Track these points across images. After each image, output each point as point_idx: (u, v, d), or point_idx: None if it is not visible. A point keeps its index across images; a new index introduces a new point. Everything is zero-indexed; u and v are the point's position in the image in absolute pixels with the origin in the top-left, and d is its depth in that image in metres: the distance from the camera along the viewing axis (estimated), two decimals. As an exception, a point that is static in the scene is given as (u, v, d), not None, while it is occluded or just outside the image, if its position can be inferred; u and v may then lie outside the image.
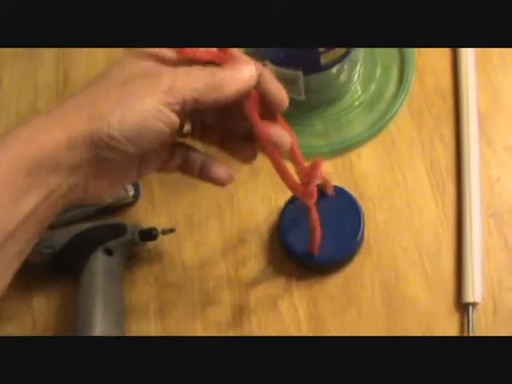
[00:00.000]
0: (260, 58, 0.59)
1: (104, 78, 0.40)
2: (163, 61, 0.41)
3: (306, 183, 0.49)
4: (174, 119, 0.39)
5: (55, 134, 0.38)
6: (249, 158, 0.47)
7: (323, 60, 0.57)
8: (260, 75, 0.42)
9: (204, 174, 0.46)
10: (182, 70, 0.40)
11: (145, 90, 0.39)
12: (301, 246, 0.55)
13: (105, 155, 0.39)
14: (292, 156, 0.48)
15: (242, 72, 0.41)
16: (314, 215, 0.52)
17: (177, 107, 0.39)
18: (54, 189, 0.39)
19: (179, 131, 0.44)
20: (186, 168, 0.46)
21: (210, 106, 0.40)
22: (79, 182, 0.40)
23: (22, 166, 0.37)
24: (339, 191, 0.57)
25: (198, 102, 0.40)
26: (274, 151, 0.45)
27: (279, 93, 0.43)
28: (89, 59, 0.73)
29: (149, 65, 0.41)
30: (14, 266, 0.40)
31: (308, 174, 0.48)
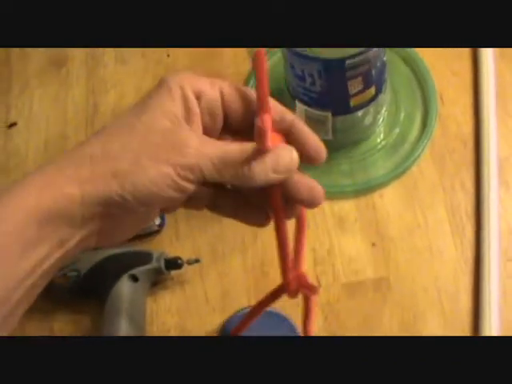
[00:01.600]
0: (291, 97, 0.62)
1: (125, 118, 0.39)
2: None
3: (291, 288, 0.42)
4: (189, 188, 0.38)
5: (69, 189, 0.37)
6: (260, 224, 0.43)
7: (352, 103, 0.59)
8: (293, 126, 0.40)
9: (234, 215, 0.43)
10: (212, 150, 0.37)
11: (164, 157, 0.37)
12: None
13: (119, 212, 0.38)
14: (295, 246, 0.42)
15: (280, 161, 0.38)
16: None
17: (194, 180, 0.38)
18: (66, 240, 0.38)
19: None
20: (212, 207, 0.43)
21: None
22: (93, 233, 0.39)
23: (33, 217, 0.36)
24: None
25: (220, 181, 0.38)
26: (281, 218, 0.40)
27: (316, 143, 0.40)
28: (118, 88, 0.75)
29: (179, 124, 0.38)
30: (20, 310, 0.39)
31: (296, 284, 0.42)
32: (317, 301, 0.43)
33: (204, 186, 0.40)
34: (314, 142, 0.40)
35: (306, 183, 0.40)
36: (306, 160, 0.40)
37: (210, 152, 0.37)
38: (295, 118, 0.40)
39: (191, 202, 0.41)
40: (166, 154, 0.37)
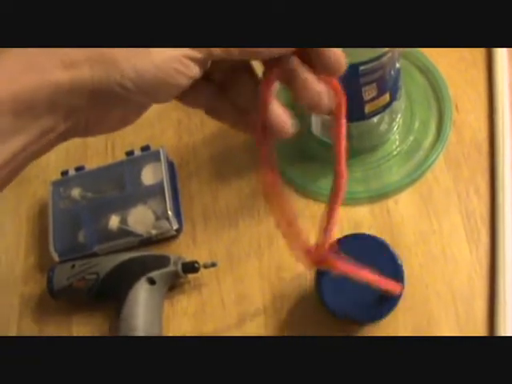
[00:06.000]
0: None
1: None
2: None
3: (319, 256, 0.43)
4: (197, 72, 0.35)
5: (56, 74, 0.33)
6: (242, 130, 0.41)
7: (367, 109, 0.60)
8: None
9: (229, 121, 0.40)
10: None
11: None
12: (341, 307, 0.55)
13: (113, 102, 0.35)
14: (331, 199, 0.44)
15: None
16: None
17: (201, 60, 0.35)
18: (48, 130, 0.34)
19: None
20: (210, 110, 0.40)
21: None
22: (79, 123, 0.36)
23: (6, 106, 0.32)
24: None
25: (227, 59, 0.35)
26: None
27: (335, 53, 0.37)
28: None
29: None
30: None
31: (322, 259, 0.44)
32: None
33: (206, 81, 0.38)
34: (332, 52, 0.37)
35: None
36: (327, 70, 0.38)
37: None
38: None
39: (190, 96, 0.38)
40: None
